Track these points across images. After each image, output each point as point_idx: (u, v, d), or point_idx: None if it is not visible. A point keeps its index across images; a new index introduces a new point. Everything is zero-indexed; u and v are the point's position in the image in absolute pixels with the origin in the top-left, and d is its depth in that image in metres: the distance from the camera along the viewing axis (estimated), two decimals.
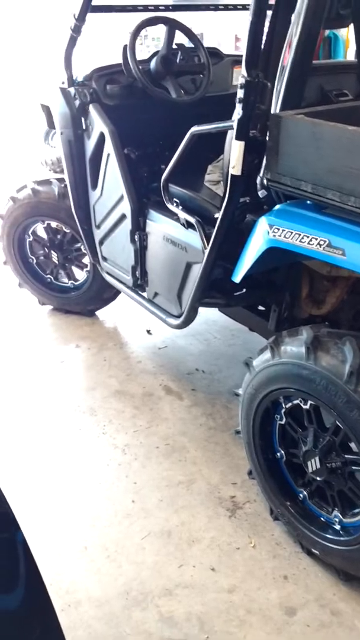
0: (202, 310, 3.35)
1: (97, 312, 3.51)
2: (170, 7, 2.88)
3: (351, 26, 2.07)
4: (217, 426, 2.63)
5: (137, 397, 2.82)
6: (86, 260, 3.27)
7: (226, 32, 6.39)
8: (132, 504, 2.22)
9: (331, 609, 1.86)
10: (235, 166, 1.84)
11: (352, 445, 1.77)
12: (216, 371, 3.02)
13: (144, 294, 2.69)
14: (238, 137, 1.80)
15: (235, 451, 2.47)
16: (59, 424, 2.64)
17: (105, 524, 2.14)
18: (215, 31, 6.66)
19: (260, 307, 2.54)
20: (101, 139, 2.59)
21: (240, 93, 1.75)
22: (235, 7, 3.04)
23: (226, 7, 3.12)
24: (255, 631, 1.80)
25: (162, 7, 2.80)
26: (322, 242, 1.65)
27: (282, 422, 1.97)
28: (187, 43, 2.88)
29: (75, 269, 3.41)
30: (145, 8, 2.77)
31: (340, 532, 1.87)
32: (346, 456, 1.79)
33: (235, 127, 1.80)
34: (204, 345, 3.23)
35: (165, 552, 2.04)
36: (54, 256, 3.36)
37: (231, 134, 1.88)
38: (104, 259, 2.90)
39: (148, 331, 3.35)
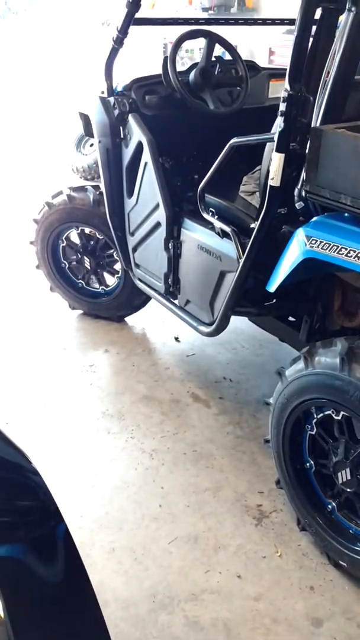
0: (230, 319, 3.39)
1: (126, 319, 3.55)
2: (211, 21, 2.93)
3: None
4: (245, 435, 2.64)
5: (165, 403, 2.84)
6: (118, 266, 3.32)
7: (260, 45, 6.45)
8: (159, 508, 2.25)
9: (358, 622, 1.85)
10: (274, 178, 1.87)
11: None
12: (244, 380, 3.03)
13: (176, 301, 2.72)
14: (278, 150, 1.83)
15: (262, 460, 2.47)
16: (88, 427, 2.68)
17: (133, 527, 2.17)
18: (249, 44, 6.73)
19: (291, 318, 2.55)
20: (139, 148, 2.64)
21: (282, 106, 1.78)
22: (273, 22, 3.08)
23: (264, 22, 3.17)
24: None
25: (202, 21, 2.85)
26: (359, 255, 1.67)
27: (313, 433, 1.98)
28: (224, 55, 2.93)
29: (106, 275, 3.46)
30: (186, 21, 2.83)
31: None
32: None
33: (275, 139, 1.83)
34: (231, 354, 3.25)
35: (191, 557, 2.06)
36: (87, 261, 3.41)
37: (271, 146, 1.92)
38: (137, 265, 2.94)
39: (176, 338, 3.38)
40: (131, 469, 2.44)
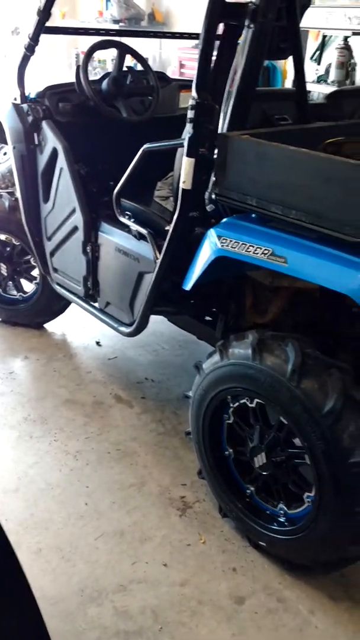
0: (150, 322, 3.46)
1: (45, 325, 3.55)
2: (122, 32, 3.02)
3: (290, 58, 2.26)
4: (167, 431, 2.72)
5: (88, 405, 2.88)
6: (35, 272, 3.32)
7: (171, 58, 6.64)
8: (85, 507, 2.28)
9: (277, 596, 1.97)
10: (185, 181, 1.98)
11: (296, 440, 1.90)
12: (165, 380, 3.12)
13: (96, 304, 2.77)
14: (188, 155, 1.94)
15: (184, 454, 2.56)
16: (10, 433, 2.66)
17: (59, 527, 2.19)
18: (160, 56, 6.90)
19: (208, 318, 2.67)
20: (54, 154, 2.68)
21: (190, 114, 1.89)
22: (181, 36, 3.22)
23: (173, 35, 3.30)
24: (207, 620, 1.88)
25: (113, 32, 2.94)
26: (266, 252, 1.80)
27: (230, 421, 2.09)
28: (136, 66, 3.03)
29: (24, 282, 3.45)
30: (97, 32, 2.90)
31: (285, 523, 1.99)
32: (290, 450, 1.92)
33: (185, 145, 1.94)
34: (152, 356, 3.33)
35: (118, 551, 2.10)
36: (3, 268, 3.39)
37: (182, 152, 2.02)
38: (55, 270, 2.97)
39: (97, 342, 3.42)
40: (55, 470, 2.45)
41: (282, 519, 2.00)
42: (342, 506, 1.74)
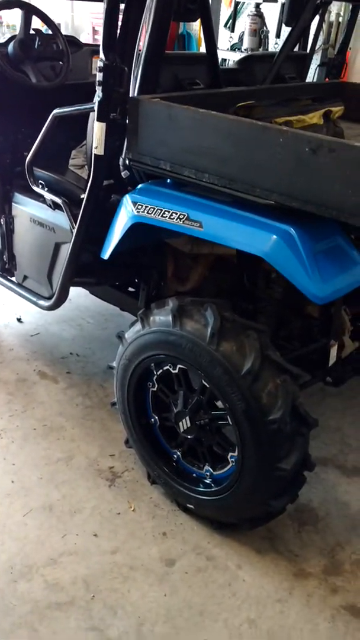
0: (74, 296, 3.40)
1: None
2: None
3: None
4: (94, 405, 2.70)
5: (11, 383, 2.80)
6: None
7: (84, 24, 6.43)
8: (11, 484, 2.23)
9: (206, 555, 2.02)
10: (98, 147, 1.93)
11: (218, 403, 1.94)
12: (90, 354, 3.09)
13: (13, 279, 2.68)
14: (99, 119, 1.89)
15: (112, 426, 2.56)
16: None
17: None
18: (73, 22, 6.67)
19: (131, 289, 2.65)
20: None
21: (99, 76, 1.84)
22: None
23: None
24: (139, 584, 1.91)
25: None
26: (182, 216, 1.80)
27: (155, 389, 2.10)
28: (47, 32, 2.90)
29: None
30: None
31: (211, 484, 2.04)
32: (213, 413, 1.96)
33: (96, 109, 1.89)
34: (77, 331, 3.28)
35: (47, 525, 2.08)
36: None
37: (93, 117, 1.97)
38: None
39: (19, 319, 3.33)
40: None
41: (208, 481, 2.05)
42: (263, 463, 1.79)
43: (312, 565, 2.01)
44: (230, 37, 5.14)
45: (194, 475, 2.10)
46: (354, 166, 1.45)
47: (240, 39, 5.01)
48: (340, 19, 4.85)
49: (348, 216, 1.49)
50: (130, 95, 1.89)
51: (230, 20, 5.20)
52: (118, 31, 1.90)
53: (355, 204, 1.46)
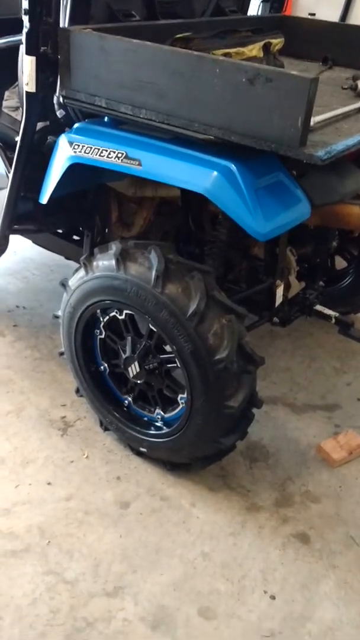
0: (18, 249, 3.31)
1: None
2: None
3: None
4: (43, 356, 2.66)
5: None
6: None
7: None
8: None
9: (160, 496, 2.06)
10: (29, 83, 1.83)
11: (166, 346, 1.93)
12: (37, 306, 3.02)
13: None
14: (28, 52, 1.78)
15: (62, 377, 2.53)
16: None
17: None
18: None
19: (75, 237, 2.58)
20: None
21: (25, 4, 1.72)
22: None
23: None
24: (94, 527, 1.93)
25: None
26: (120, 155, 1.73)
27: (102, 336, 2.08)
28: None
29: None
30: None
31: (163, 427, 2.05)
32: (161, 356, 1.95)
33: (24, 40, 1.77)
34: (22, 283, 3.20)
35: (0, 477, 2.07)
36: None
37: (23, 51, 1.85)
38: None
39: None
40: None
41: (159, 424, 2.06)
42: (212, 402, 1.81)
43: (264, 499, 2.08)
44: None
45: (146, 419, 2.12)
46: (292, 96, 1.41)
47: None
48: None
49: (287, 149, 1.46)
50: (61, 26, 1.78)
51: None
52: None
53: (293, 135, 1.43)
